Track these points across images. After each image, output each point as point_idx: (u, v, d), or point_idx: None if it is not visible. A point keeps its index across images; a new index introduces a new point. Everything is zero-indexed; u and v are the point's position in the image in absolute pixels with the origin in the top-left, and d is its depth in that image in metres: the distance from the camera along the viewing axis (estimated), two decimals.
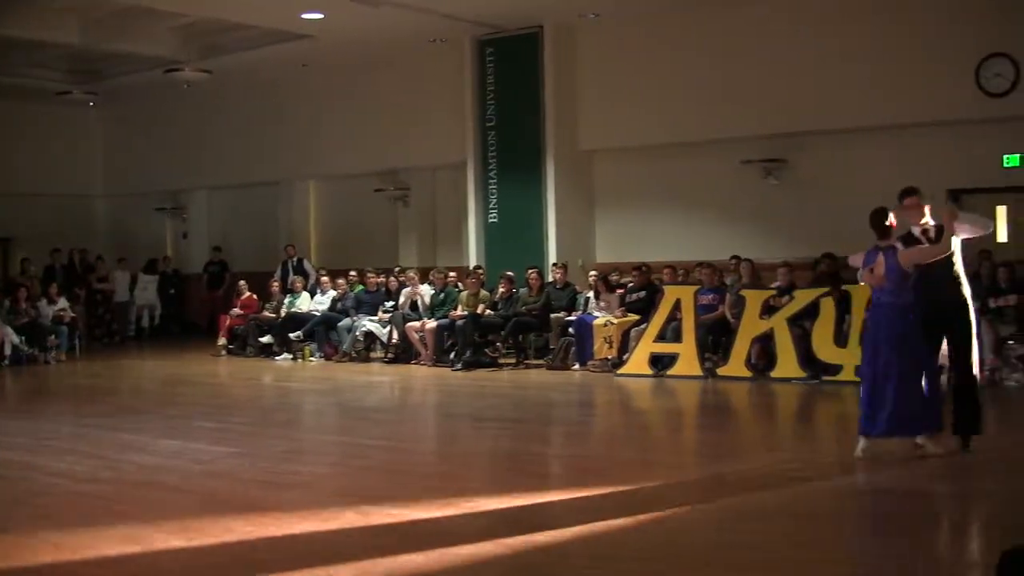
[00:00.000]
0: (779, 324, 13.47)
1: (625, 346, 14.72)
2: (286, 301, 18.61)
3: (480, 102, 18.38)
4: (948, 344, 8.41)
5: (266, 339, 18.35)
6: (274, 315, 18.51)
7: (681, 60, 16.90)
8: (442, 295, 16.85)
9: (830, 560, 5.93)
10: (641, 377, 14.09)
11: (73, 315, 19.16)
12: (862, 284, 9.51)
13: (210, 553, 6.14)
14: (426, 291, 17.20)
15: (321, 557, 5.95)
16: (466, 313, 16.01)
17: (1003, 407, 11.35)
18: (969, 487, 7.79)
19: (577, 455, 9.61)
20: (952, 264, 8.40)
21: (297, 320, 17.99)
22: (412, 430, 11.35)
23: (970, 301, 8.48)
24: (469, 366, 15.55)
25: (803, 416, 11.86)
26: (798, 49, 15.74)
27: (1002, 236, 14.58)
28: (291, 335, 17.83)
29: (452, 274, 17.37)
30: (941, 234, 8.37)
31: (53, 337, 18.22)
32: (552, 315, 15.97)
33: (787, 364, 13.27)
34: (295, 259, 20.61)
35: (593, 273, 16.38)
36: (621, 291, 15.68)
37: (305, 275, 19.79)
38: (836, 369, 12.91)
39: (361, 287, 18.25)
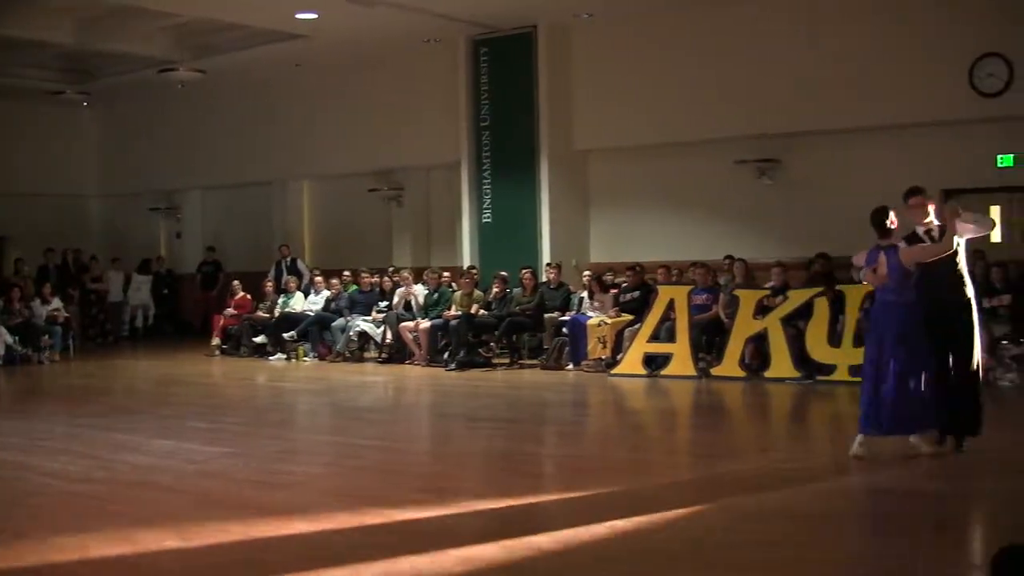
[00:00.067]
0: (773, 324, 13.48)
1: (619, 346, 14.73)
2: (280, 301, 18.60)
3: (474, 102, 18.38)
4: (950, 343, 8.40)
5: (260, 339, 18.33)
6: (268, 315, 18.50)
7: (675, 60, 16.92)
8: (436, 295, 16.85)
9: (830, 560, 5.93)
10: (635, 377, 14.09)
11: (67, 315, 19.12)
12: (864, 284, 9.53)
13: (204, 553, 6.13)
14: (420, 291, 17.20)
15: (315, 557, 5.95)
16: (460, 313, 16.01)
17: (997, 407, 11.33)
18: (967, 487, 7.79)
19: (571, 455, 9.60)
20: (956, 263, 8.41)
21: (291, 320, 17.98)
22: (406, 430, 11.34)
23: (973, 301, 8.50)
24: (463, 366, 15.54)
25: (797, 416, 11.86)
26: (791, 49, 15.76)
27: (996, 236, 14.58)
28: (285, 335, 17.81)
29: (446, 274, 17.37)
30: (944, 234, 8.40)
31: (47, 337, 18.18)
32: (546, 315, 15.97)
33: (781, 364, 13.28)
34: (289, 259, 20.61)
35: (587, 273, 16.40)
36: (615, 291, 15.68)
37: (299, 275, 19.77)
38: (830, 369, 12.93)
39: (355, 287, 18.25)
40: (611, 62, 17.56)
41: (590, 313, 15.47)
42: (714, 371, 13.82)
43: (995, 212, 14.83)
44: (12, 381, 16.11)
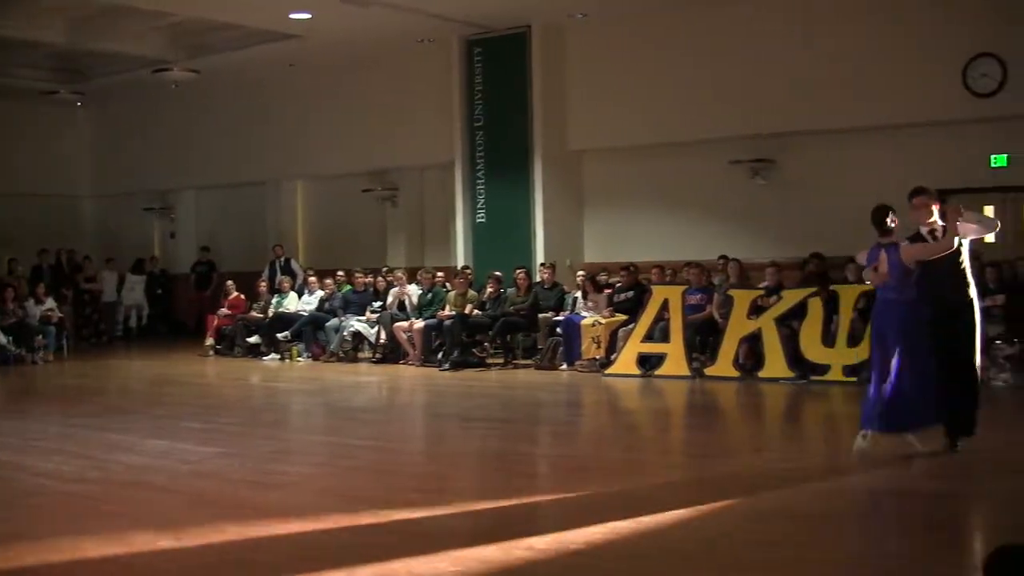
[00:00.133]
0: (767, 324, 13.48)
1: (613, 346, 14.73)
2: (274, 301, 18.58)
3: (468, 102, 18.38)
4: (952, 343, 8.40)
5: (254, 339, 18.32)
6: (262, 315, 18.48)
7: (669, 60, 16.92)
8: (430, 295, 16.84)
9: (830, 560, 5.93)
10: (629, 377, 14.10)
11: (61, 315, 19.11)
12: (867, 283, 9.53)
13: (198, 553, 6.13)
14: (414, 291, 17.19)
15: (309, 557, 5.94)
16: (454, 313, 16.01)
17: (991, 407, 11.32)
18: (966, 487, 7.79)
19: (565, 455, 9.60)
20: (959, 263, 8.42)
21: (285, 320, 17.96)
22: (400, 430, 11.34)
23: (976, 301, 8.51)
24: (457, 366, 15.54)
25: (791, 416, 11.86)
26: (786, 49, 15.77)
27: (989, 237, 14.57)
28: (279, 335, 17.80)
29: (440, 274, 17.36)
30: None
31: (41, 337, 18.16)
32: (540, 315, 15.97)
33: (775, 364, 13.29)
34: (283, 259, 20.59)
35: (581, 273, 16.39)
36: (609, 291, 15.69)
37: (293, 275, 19.77)
38: (824, 369, 12.94)
39: (349, 287, 18.23)
40: (605, 62, 17.57)
41: (584, 313, 15.47)
42: (708, 371, 13.83)
43: (988, 212, 14.82)
44: (6, 381, 16.10)
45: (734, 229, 16.61)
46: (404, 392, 14.58)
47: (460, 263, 18.17)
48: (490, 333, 16.15)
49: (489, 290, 16.40)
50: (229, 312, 19.06)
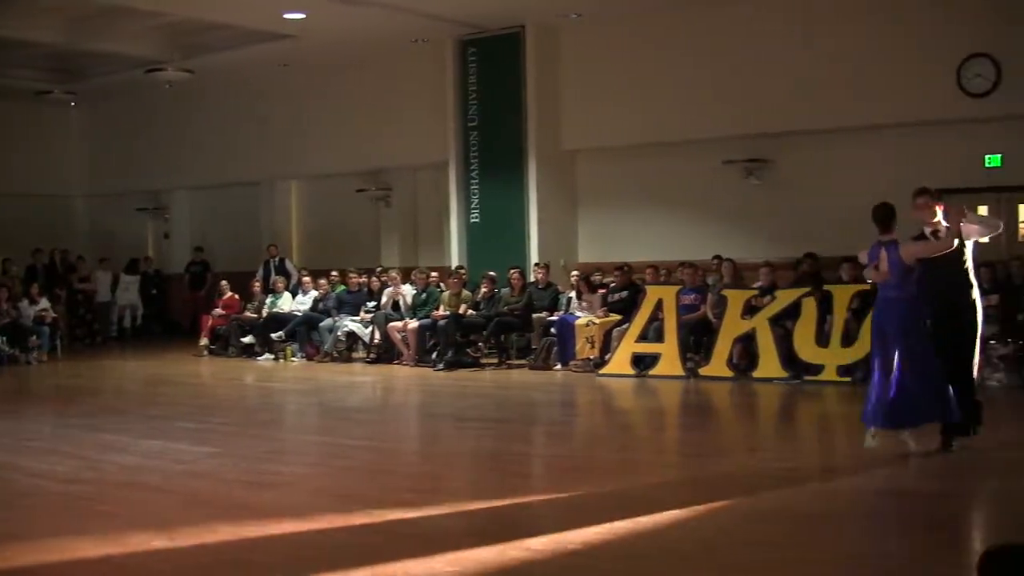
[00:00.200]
0: (761, 324, 13.49)
1: (607, 346, 14.74)
2: (268, 301, 18.57)
3: (462, 102, 18.37)
4: (953, 343, 8.41)
5: (248, 339, 18.30)
6: (256, 315, 18.47)
7: (663, 60, 16.93)
8: (424, 295, 16.84)
9: (829, 560, 5.93)
10: (623, 377, 14.10)
11: (54, 315, 19.07)
12: (870, 283, 9.54)
13: (192, 553, 6.12)
14: (408, 291, 17.19)
15: (303, 557, 5.94)
16: (448, 313, 16.00)
17: (986, 407, 11.36)
18: (965, 487, 7.81)
19: (560, 455, 9.60)
20: (962, 263, 8.44)
21: (279, 320, 17.95)
22: (394, 430, 11.34)
23: (978, 301, 8.52)
24: (451, 366, 15.54)
25: (785, 416, 11.87)
26: (780, 49, 15.79)
27: (983, 237, 14.60)
28: (273, 335, 17.78)
29: (434, 274, 17.36)
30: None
31: (34, 337, 18.12)
32: (534, 315, 15.97)
33: (769, 364, 13.29)
34: (277, 259, 20.59)
35: (575, 273, 16.40)
36: (603, 291, 15.68)
37: (287, 275, 19.76)
38: (818, 369, 12.95)
39: (343, 287, 18.23)
40: (599, 62, 17.57)
41: (578, 313, 15.48)
42: (702, 371, 13.83)
43: (983, 212, 14.84)
44: None
45: (728, 229, 16.62)
46: (398, 392, 14.57)
47: (454, 263, 18.16)
48: (484, 333, 16.14)
49: (483, 290, 16.39)
50: (223, 312, 19.04)
